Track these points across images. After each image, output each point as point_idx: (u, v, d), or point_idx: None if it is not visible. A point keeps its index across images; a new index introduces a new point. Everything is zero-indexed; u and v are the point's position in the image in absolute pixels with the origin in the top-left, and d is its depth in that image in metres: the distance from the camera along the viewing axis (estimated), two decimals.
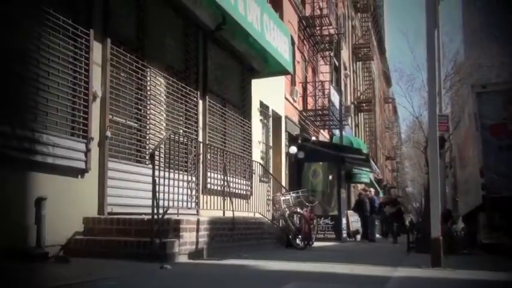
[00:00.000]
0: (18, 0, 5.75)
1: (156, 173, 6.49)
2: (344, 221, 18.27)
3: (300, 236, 10.84)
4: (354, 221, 20.56)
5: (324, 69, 23.89)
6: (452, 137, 23.26)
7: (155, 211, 6.31)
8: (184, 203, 7.58)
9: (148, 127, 8.16)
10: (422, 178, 45.67)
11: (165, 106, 8.76)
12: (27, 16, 5.88)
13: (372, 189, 22.21)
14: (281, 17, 15.21)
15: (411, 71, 33.68)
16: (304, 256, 8.48)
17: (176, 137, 7.70)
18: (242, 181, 11.06)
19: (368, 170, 23.61)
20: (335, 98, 21.10)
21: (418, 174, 53.67)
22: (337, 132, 23.17)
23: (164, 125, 8.64)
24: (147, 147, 8.03)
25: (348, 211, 20.44)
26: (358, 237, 19.09)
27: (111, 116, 7.16)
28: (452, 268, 6.87)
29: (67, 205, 6.33)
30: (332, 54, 23.90)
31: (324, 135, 23.54)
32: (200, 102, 9.89)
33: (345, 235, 18.03)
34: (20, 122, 5.67)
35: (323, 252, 10.40)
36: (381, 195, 28.85)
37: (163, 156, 7.09)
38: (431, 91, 7.94)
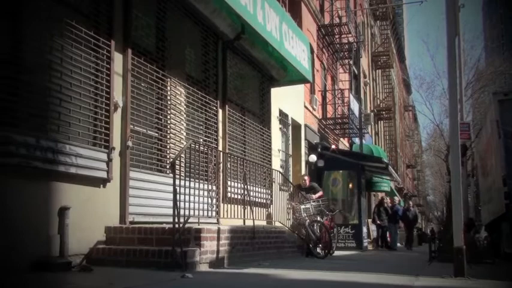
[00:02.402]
0: (42, 14, 5.85)
1: (177, 182, 6.52)
2: (364, 229, 18.18)
3: (320, 245, 10.80)
4: (374, 229, 20.47)
5: (343, 77, 23.84)
6: (474, 144, 23.04)
7: (176, 220, 6.33)
8: (205, 212, 7.59)
9: (168, 136, 8.22)
10: (444, 186, 45.20)
11: (185, 115, 8.81)
12: (51, 29, 5.98)
13: (397, 198, 22.03)
14: (300, 25, 15.23)
15: (431, 79, 33.22)
16: (325, 265, 8.45)
17: (196, 146, 7.73)
18: (262, 190, 11.06)
19: (388, 178, 23.47)
20: (354, 106, 21.03)
21: (440, 182, 53.18)
22: (356, 140, 23.08)
23: (184, 134, 8.69)
24: (168, 157, 8.08)
25: (369, 219, 20.34)
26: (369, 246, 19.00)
27: (132, 126, 7.22)
28: (476, 278, 6.79)
29: (89, 214, 6.40)
30: (351, 62, 23.85)
31: (343, 144, 23.46)
32: (220, 111, 9.93)
33: (365, 244, 17.92)
34: (43, 133, 5.76)
35: (344, 261, 10.34)
36: (402, 204, 28.61)
37: (183, 165, 7.12)
38: (452, 99, 7.88)
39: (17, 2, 5.55)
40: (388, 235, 19.72)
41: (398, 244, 21.01)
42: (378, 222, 19.47)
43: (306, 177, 13.51)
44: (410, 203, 23.72)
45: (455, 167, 7.65)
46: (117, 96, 6.97)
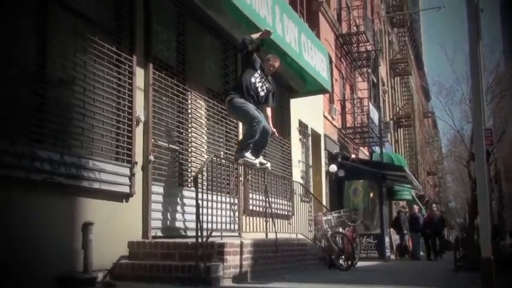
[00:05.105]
0: (66, 30, 5.91)
1: (199, 195, 6.50)
2: (387, 239, 18.01)
3: (343, 256, 10.70)
4: (396, 239, 20.26)
5: (362, 86, 23.72)
6: (496, 150, 22.78)
7: (199, 234, 6.30)
8: (228, 226, 7.55)
9: (190, 150, 8.22)
10: (466, 193, 44.63)
11: (206, 129, 8.81)
12: (75, 45, 6.04)
13: (416, 207, 21.82)
14: (318, 35, 15.20)
15: (450, 84, 32.87)
16: (349, 277, 8.35)
17: (218, 160, 7.72)
18: (283, 201, 11.00)
19: (409, 186, 23.24)
20: (374, 114, 20.92)
21: (461, 188, 52.53)
22: (377, 149, 22.91)
23: (205, 147, 8.69)
24: (190, 170, 8.08)
25: (391, 229, 20.15)
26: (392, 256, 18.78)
27: (154, 140, 7.23)
28: None
29: (112, 229, 6.40)
30: (370, 70, 23.73)
31: (363, 153, 23.30)
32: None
33: (388, 254, 17.74)
34: (67, 149, 5.79)
35: (367, 272, 10.22)
36: (424, 211, 28.27)
37: (205, 179, 7.10)
38: (476, 107, 7.74)
39: (42, 19, 5.61)
40: (410, 244, 19.50)
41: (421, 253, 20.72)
42: (401, 231, 19.28)
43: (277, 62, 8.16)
44: (434, 207, 23.27)
45: (480, 173, 7.49)
46: (139, 110, 7.00)
